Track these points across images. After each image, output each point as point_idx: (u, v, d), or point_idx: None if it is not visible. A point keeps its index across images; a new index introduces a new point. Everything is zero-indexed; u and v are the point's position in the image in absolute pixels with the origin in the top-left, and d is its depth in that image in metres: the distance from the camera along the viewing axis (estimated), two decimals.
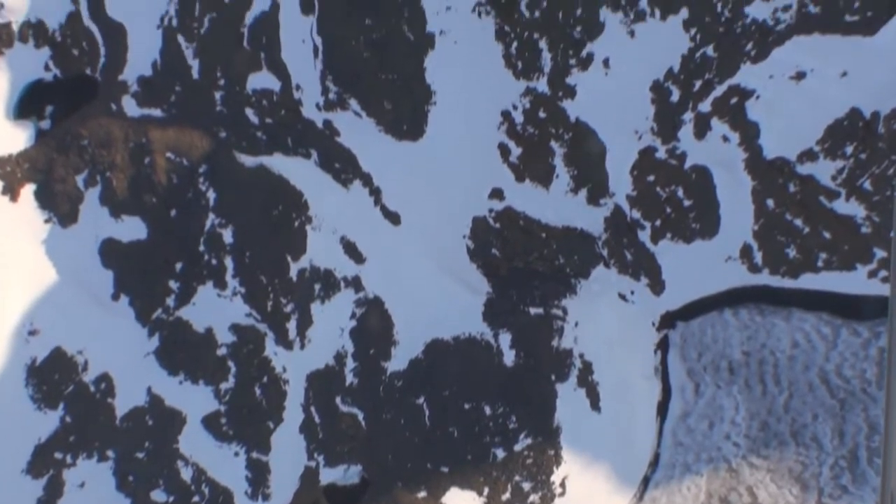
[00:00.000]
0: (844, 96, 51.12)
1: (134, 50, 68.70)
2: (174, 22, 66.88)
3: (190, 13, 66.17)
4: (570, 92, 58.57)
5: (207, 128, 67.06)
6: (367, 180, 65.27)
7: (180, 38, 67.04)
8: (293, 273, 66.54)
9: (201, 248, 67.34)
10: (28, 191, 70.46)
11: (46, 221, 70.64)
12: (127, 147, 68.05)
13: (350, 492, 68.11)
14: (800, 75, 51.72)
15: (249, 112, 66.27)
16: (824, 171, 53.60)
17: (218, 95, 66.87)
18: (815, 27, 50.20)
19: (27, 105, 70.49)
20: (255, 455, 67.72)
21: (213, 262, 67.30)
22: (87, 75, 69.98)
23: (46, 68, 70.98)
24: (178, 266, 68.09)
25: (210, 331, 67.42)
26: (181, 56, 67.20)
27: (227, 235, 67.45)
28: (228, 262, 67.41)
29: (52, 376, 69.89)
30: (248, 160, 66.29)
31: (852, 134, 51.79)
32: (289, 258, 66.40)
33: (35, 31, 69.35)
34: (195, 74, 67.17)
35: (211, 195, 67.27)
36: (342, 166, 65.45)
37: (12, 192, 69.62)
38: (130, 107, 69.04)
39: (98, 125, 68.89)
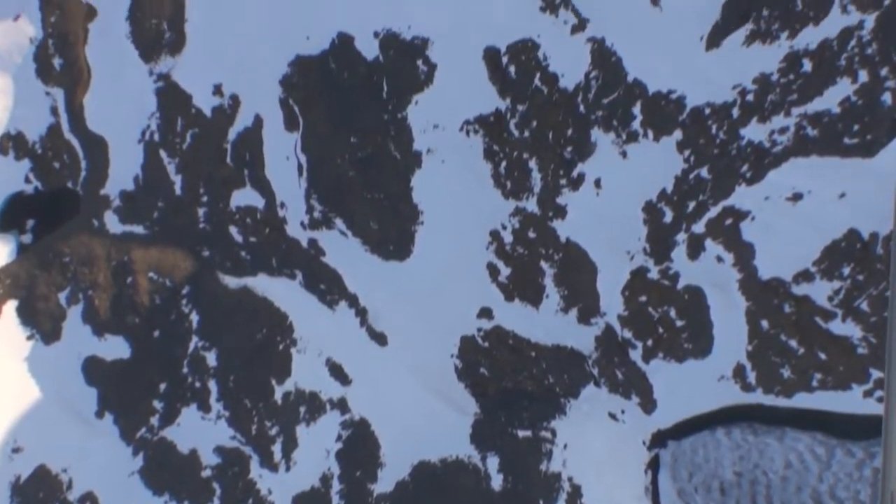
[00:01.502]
0: (842, 217, 47.32)
1: (115, 164, 65.09)
2: (156, 136, 63.32)
3: (172, 128, 62.71)
4: (561, 212, 54.95)
5: (190, 247, 63.62)
6: (353, 301, 61.41)
7: (162, 154, 63.42)
8: (278, 396, 62.81)
9: (185, 370, 63.44)
10: (10, 307, 66.93)
11: (29, 338, 66.98)
12: (109, 266, 64.48)
13: None
14: (796, 196, 47.93)
15: (233, 230, 62.65)
16: (820, 291, 49.34)
17: (201, 212, 63.16)
18: (813, 149, 46.69)
19: (8, 218, 66.83)
20: None
21: (197, 384, 63.65)
22: (69, 188, 65.31)
23: (27, 181, 67.37)
24: (162, 386, 62.76)
25: (194, 452, 63.55)
26: (163, 171, 63.60)
27: (211, 358, 63.87)
28: (212, 386, 63.84)
29: (36, 494, 66.34)
30: (231, 281, 62.90)
31: (850, 255, 47.81)
32: (273, 382, 62.62)
33: (15, 142, 65.86)
34: (178, 190, 63.42)
35: (194, 317, 63.71)
36: (327, 287, 61.65)
37: None
38: (112, 223, 65.33)
39: (80, 243, 65.27)
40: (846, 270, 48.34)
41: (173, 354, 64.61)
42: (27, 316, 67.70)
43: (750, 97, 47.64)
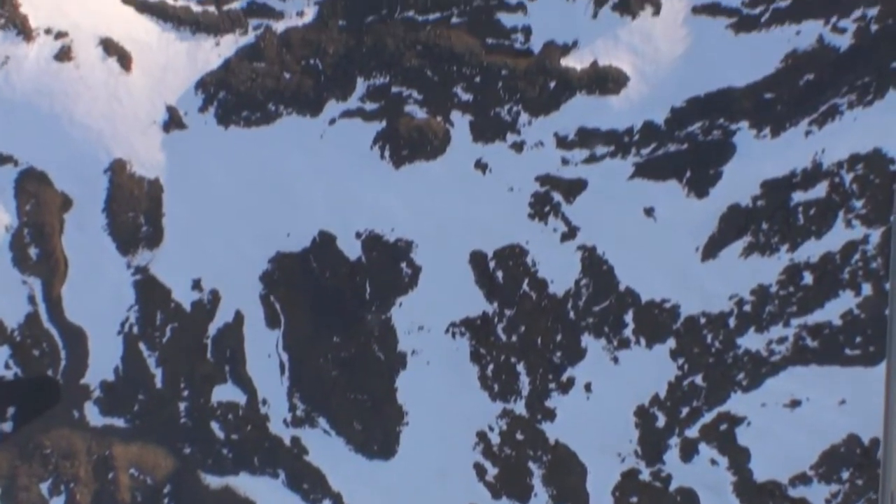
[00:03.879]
0: (842, 423, 41.81)
1: (95, 355, 58.02)
2: (135, 329, 57.07)
3: (151, 321, 56.85)
4: (550, 414, 49.30)
5: (171, 443, 57.20)
6: (337, 499, 54.87)
7: (142, 346, 57.09)
8: None
9: None
10: None
11: None
12: (90, 460, 57.61)
13: None
14: (794, 403, 42.38)
15: (215, 426, 56.41)
16: (818, 494, 43.10)
17: (182, 406, 56.87)
18: (813, 359, 41.35)
19: None
20: None
21: None
22: (49, 376, 58.89)
23: (7, 366, 59.81)
24: None
25: None
26: (143, 364, 57.23)
27: None
28: None
29: None
30: (213, 480, 56.37)
31: (849, 460, 42.06)
32: None
33: None
34: (158, 384, 57.04)
35: None
36: (311, 486, 55.22)
37: None
38: (93, 414, 58.32)
39: (60, 436, 58.17)
40: (845, 474, 42.40)
41: None
42: None
43: (747, 307, 42.68)
